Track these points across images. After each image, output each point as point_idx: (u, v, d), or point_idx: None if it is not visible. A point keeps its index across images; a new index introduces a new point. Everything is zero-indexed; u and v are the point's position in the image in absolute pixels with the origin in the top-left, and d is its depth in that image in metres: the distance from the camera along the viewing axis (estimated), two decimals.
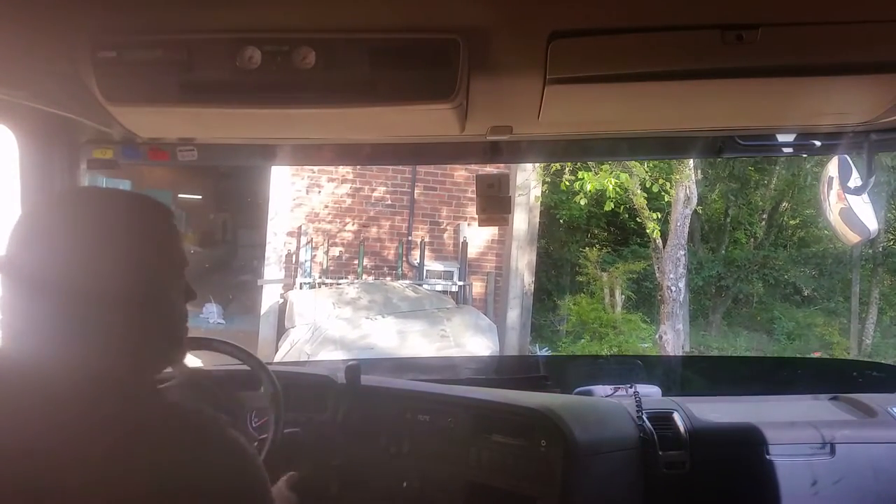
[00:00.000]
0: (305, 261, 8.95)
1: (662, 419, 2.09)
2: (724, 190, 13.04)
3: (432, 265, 9.27)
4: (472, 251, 9.28)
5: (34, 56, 1.28)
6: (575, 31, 1.17)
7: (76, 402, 0.91)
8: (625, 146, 1.99)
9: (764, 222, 14.03)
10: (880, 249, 11.71)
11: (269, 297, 8.93)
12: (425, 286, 8.95)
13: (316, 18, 1.18)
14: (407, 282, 8.98)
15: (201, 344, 1.84)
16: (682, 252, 8.26)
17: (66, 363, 0.93)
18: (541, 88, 1.32)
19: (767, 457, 2.06)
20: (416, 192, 9.19)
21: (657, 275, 8.62)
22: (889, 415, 2.16)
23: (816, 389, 2.47)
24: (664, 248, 8.27)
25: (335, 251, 9.13)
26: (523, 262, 9.32)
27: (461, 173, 9.06)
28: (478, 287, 9.30)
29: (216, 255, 18.97)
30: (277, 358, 7.31)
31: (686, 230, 8.34)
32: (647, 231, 8.43)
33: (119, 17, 1.18)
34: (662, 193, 8.12)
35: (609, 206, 8.19)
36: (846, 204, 1.82)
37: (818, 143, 1.82)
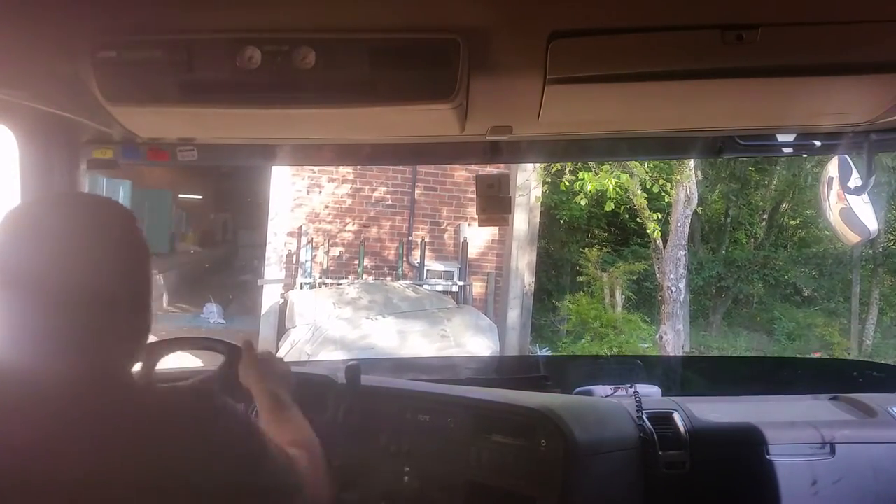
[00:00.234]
0: (306, 261, 8.95)
1: (662, 419, 2.09)
2: (725, 190, 13.05)
3: (433, 265, 9.27)
4: (473, 251, 9.29)
5: (34, 56, 1.28)
6: (575, 31, 1.17)
7: (58, 400, 0.93)
8: (625, 146, 1.99)
9: (764, 223, 14.04)
10: (880, 250, 11.72)
11: (270, 297, 8.94)
12: (426, 286, 8.96)
13: (316, 18, 1.18)
14: (407, 282, 8.98)
15: (202, 344, 1.84)
16: (683, 252, 8.26)
17: (41, 362, 0.95)
18: (541, 88, 1.32)
19: (767, 457, 2.06)
20: (416, 192, 9.20)
21: (657, 275, 8.62)
22: (889, 415, 2.16)
23: (816, 389, 2.47)
24: (664, 248, 8.28)
25: (335, 251, 9.14)
26: (524, 263, 9.32)
27: (461, 173, 9.07)
28: (478, 287, 9.30)
29: (216, 255, 19.02)
30: None
31: (686, 230, 8.34)
32: (648, 231, 8.43)
33: (119, 17, 1.18)
34: (663, 194, 8.13)
35: (609, 207, 8.20)
36: (846, 204, 1.81)
37: (818, 143, 1.82)
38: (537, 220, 9.67)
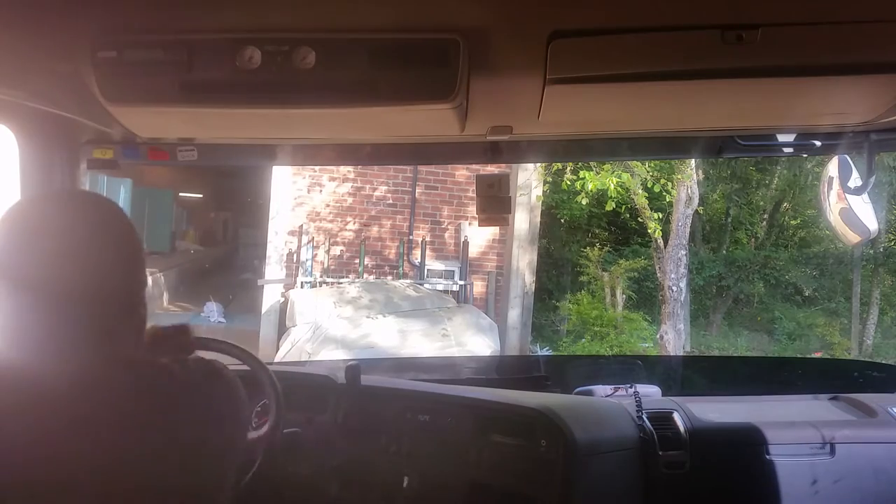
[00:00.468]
0: (306, 260, 8.95)
1: (662, 419, 2.09)
2: (726, 190, 13.05)
3: (433, 264, 9.28)
4: (473, 250, 9.29)
5: (34, 56, 1.28)
6: (575, 31, 1.17)
7: (54, 395, 0.95)
8: (625, 146, 1.99)
9: (765, 222, 14.05)
10: (881, 250, 11.72)
11: (270, 295, 8.94)
12: (426, 285, 8.96)
13: (316, 18, 1.18)
14: (408, 281, 8.99)
15: (201, 344, 1.84)
16: (684, 252, 8.26)
17: (35, 358, 0.97)
18: (541, 88, 1.32)
19: (767, 457, 2.06)
20: (417, 191, 9.20)
21: (658, 274, 8.62)
22: (889, 415, 2.16)
23: (816, 389, 2.47)
24: (665, 247, 8.28)
25: (336, 250, 9.14)
26: (524, 262, 9.32)
27: (462, 172, 9.07)
28: (479, 286, 9.30)
29: (217, 254, 19.04)
30: (278, 357, 7.32)
31: (687, 230, 8.34)
32: (649, 231, 8.43)
33: (119, 17, 1.18)
34: (664, 193, 8.12)
35: (610, 206, 8.19)
36: (846, 204, 1.81)
37: (818, 143, 1.82)
38: (538, 219, 9.67)
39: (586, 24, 1.16)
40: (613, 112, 1.56)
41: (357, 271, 9.08)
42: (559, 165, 8.42)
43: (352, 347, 7.06)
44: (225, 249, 20.48)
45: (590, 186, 7.59)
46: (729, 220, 13.78)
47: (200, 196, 21.21)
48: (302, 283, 8.83)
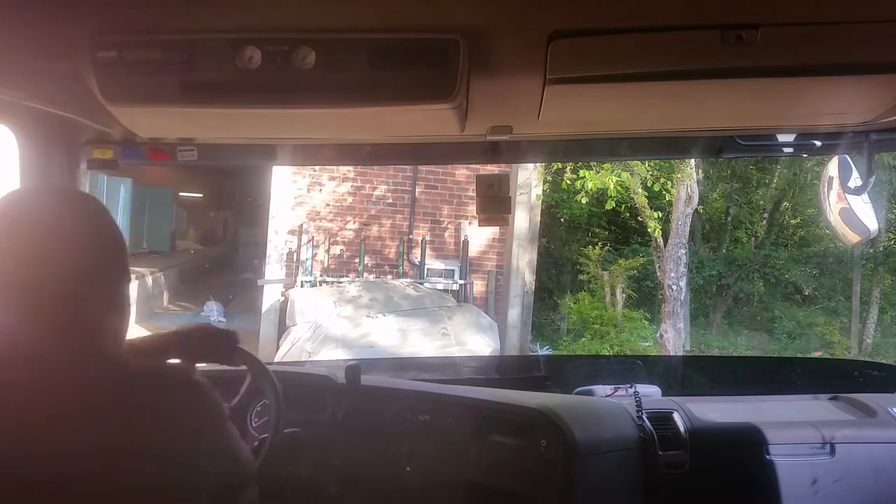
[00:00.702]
0: (306, 259, 8.96)
1: (662, 419, 2.09)
2: (726, 189, 13.05)
3: (433, 264, 9.28)
4: (473, 250, 9.29)
5: (34, 56, 1.28)
6: (575, 31, 1.17)
7: (36, 388, 0.96)
8: (625, 146, 1.99)
9: (765, 221, 14.05)
10: (881, 249, 11.73)
11: (270, 295, 8.95)
12: (426, 284, 8.96)
13: (316, 18, 1.18)
14: (408, 280, 8.99)
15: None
16: (683, 251, 8.27)
17: (18, 351, 0.98)
18: (541, 88, 1.32)
19: (767, 457, 2.06)
20: (417, 190, 9.20)
21: (658, 274, 8.62)
22: (889, 415, 2.16)
23: (816, 389, 2.47)
24: (665, 246, 8.28)
25: (336, 249, 9.14)
26: (524, 261, 9.32)
27: (462, 172, 9.07)
28: (479, 285, 9.31)
29: (217, 254, 19.05)
30: (278, 356, 7.32)
31: (687, 229, 8.34)
32: (649, 230, 8.43)
33: (119, 17, 1.18)
34: (664, 192, 8.12)
35: (610, 205, 8.19)
36: (846, 204, 1.81)
37: (818, 143, 1.82)
38: (538, 218, 9.67)
39: (586, 24, 1.16)
40: (613, 112, 1.56)
41: (357, 270, 9.08)
42: (559, 165, 8.42)
43: (352, 347, 7.06)
44: (225, 249, 20.49)
45: (589, 186, 7.59)
46: (729, 219, 13.78)
47: (200, 196, 21.22)
48: (302, 282, 8.84)
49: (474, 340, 7.57)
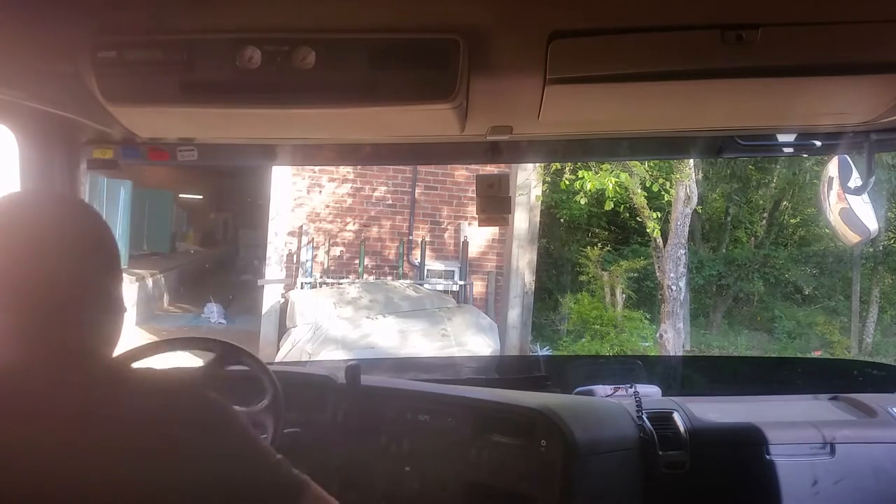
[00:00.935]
0: (306, 260, 8.96)
1: (662, 419, 2.09)
2: (725, 189, 13.05)
3: (433, 264, 9.28)
4: (473, 250, 9.29)
5: (34, 56, 1.28)
6: (575, 31, 1.17)
7: (27, 396, 0.94)
8: (625, 146, 1.99)
9: (764, 221, 14.06)
10: (881, 248, 11.73)
11: (271, 296, 8.95)
12: (426, 285, 8.96)
13: (316, 18, 1.18)
14: (408, 281, 8.99)
15: (201, 344, 1.84)
16: (683, 251, 8.27)
17: (7, 358, 0.96)
18: (541, 88, 1.32)
19: (767, 457, 2.06)
20: (416, 191, 9.20)
21: (657, 274, 8.62)
22: (889, 415, 2.16)
23: (816, 389, 2.47)
24: (665, 247, 8.28)
25: (336, 251, 9.14)
26: (524, 262, 9.32)
27: (462, 172, 9.07)
28: (479, 286, 9.31)
29: (217, 255, 19.05)
30: (279, 357, 7.33)
31: (686, 229, 8.34)
32: (648, 230, 8.43)
33: (119, 17, 1.18)
34: (662, 192, 8.12)
35: (609, 206, 8.19)
36: (846, 204, 1.81)
37: (818, 143, 1.82)
38: (537, 218, 9.68)
39: (586, 24, 1.16)
40: (613, 112, 1.56)
41: (357, 272, 9.08)
42: (558, 165, 8.42)
43: (352, 348, 7.06)
44: (225, 250, 20.49)
45: (588, 186, 7.59)
46: (728, 219, 13.79)
47: (200, 197, 21.22)
48: (302, 283, 8.84)
49: (474, 341, 7.57)
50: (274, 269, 9.04)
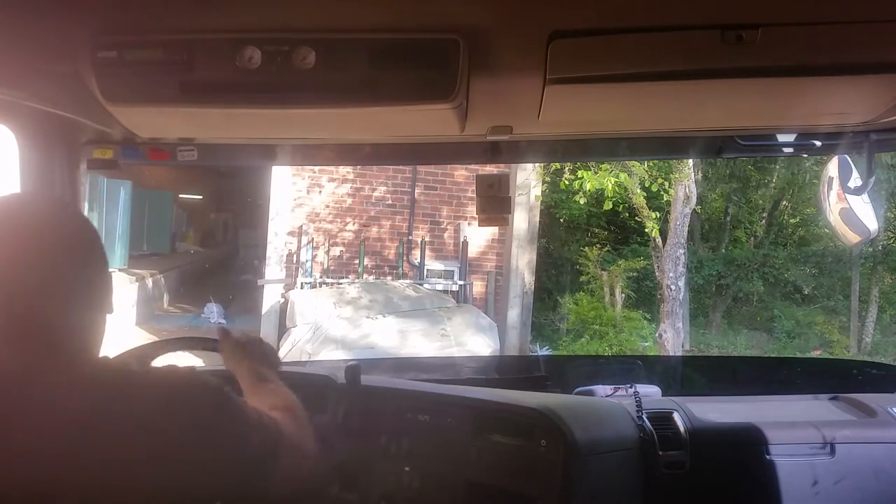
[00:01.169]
0: (306, 260, 8.96)
1: (662, 419, 2.09)
2: (725, 189, 13.06)
3: (433, 264, 9.28)
4: (473, 250, 9.29)
5: (34, 56, 1.28)
6: (575, 31, 1.17)
7: (17, 395, 0.94)
8: (625, 146, 1.99)
9: (764, 221, 14.06)
10: (880, 248, 11.74)
11: (270, 296, 8.95)
12: (426, 285, 8.96)
13: (316, 18, 1.18)
14: (407, 281, 8.99)
15: (201, 344, 1.84)
16: (682, 251, 8.27)
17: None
18: (541, 88, 1.32)
19: (767, 457, 2.06)
20: (416, 191, 9.20)
21: (657, 274, 8.62)
22: (889, 415, 2.16)
23: (816, 389, 2.47)
24: (664, 246, 8.28)
25: (336, 251, 9.14)
26: (524, 261, 9.32)
27: (461, 173, 9.07)
28: (478, 286, 9.31)
29: (217, 255, 19.05)
30: None
31: (685, 229, 8.34)
32: (646, 230, 8.43)
33: (119, 17, 1.18)
34: (661, 192, 8.12)
35: (608, 206, 8.19)
36: (846, 204, 1.81)
37: (818, 143, 1.82)
38: (537, 218, 9.68)
39: (586, 24, 1.16)
40: (613, 112, 1.56)
41: (357, 272, 9.08)
42: (557, 165, 8.43)
43: (352, 347, 7.06)
44: (225, 250, 20.50)
45: (588, 186, 7.59)
46: (728, 218, 13.79)
47: (200, 197, 21.22)
48: (302, 283, 8.83)
49: (474, 341, 7.57)
50: (274, 269, 9.04)
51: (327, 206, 9.08)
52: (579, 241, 12.73)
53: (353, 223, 9.17)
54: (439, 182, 9.22)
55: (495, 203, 1.96)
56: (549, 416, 1.90)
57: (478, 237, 9.30)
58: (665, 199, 8.43)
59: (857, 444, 2.10)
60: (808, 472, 2.06)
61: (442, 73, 1.21)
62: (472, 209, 8.69)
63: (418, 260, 9.19)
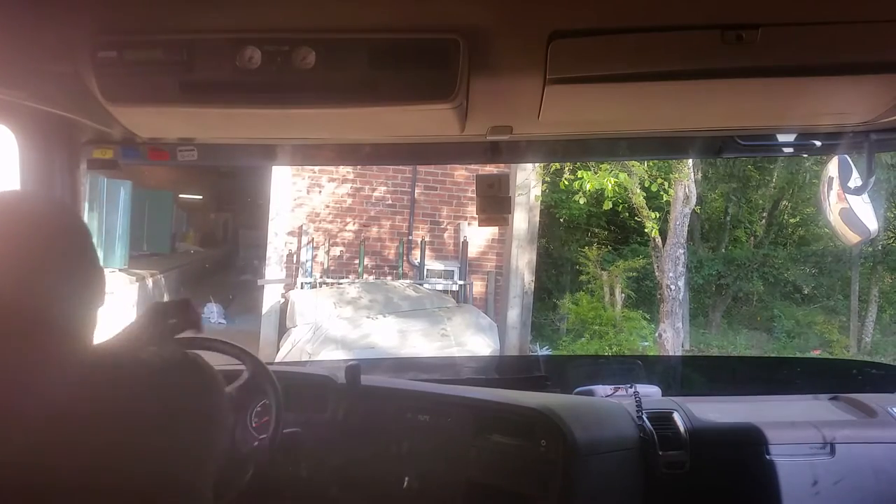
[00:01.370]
0: (306, 260, 8.96)
1: (662, 419, 2.09)
2: (724, 189, 13.06)
3: (433, 264, 9.28)
4: (473, 250, 9.29)
5: (34, 56, 1.28)
6: (575, 31, 1.17)
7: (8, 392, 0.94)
8: (625, 146, 1.99)
9: (764, 221, 14.06)
10: (880, 247, 11.73)
11: (271, 296, 8.94)
12: (426, 285, 8.96)
13: (316, 18, 1.18)
14: (407, 281, 8.99)
15: (201, 344, 1.84)
16: (682, 251, 8.26)
17: None
18: (541, 88, 1.32)
19: (767, 457, 2.06)
20: (416, 191, 9.20)
21: (656, 273, 8.62)
22: (889, 415, 2.16)
23: (816, 389, 2.47)
24: (663, 246, 8.27)
25: (336, 251, 9.14)
26: (523, 261, 9.32)
27: (461, 173, 9.07)
28: (478, 286, 9.31)
29: (217, 256, 19.03)
30: (279, 358, 7.32)
31: (685, 229, 8.34)
32: (646, 230, 8.43)
33: (119, 17, 1.19)
34: (661, 192, 8.12)
35: (608, 206, 8.19)
36: (846, 204, 1.81)
37: (818, 143, 1.82)
38: (537, 218, 9.67)
39: (586, 24, 1.16)
40: (613, 112, 1.56)
41: (357, 272, 9.08)
42: (557, 165, 8.42)
43: (352, 347, 7.06)
44: (225, 250, 20.48)
45: (587, 186, 7.59)
46: (728, 218, 13.79)
47: (200, 197, 21.20)
48: (302, 283, 8.83)
49: (474, 341, 7.57)
50: (274, 269, 9.04)
51: (327, 206, 9.07)
52: (579, 240, 12.73)
53: (353, 223, 9.17)
54: (439, 182, 9.22)
55: (495, 203, 1.96)
56: (549, 416, 1.91)
57: (478, 237, 9.29)
58: (665, 198, 8.43)
59: (857, 444, 2.10)
60: (808, 472, 2.06)
61: (442, 73, 1.21)
62: (472, 209, 8.69)
63: (418, 260, 9.19)
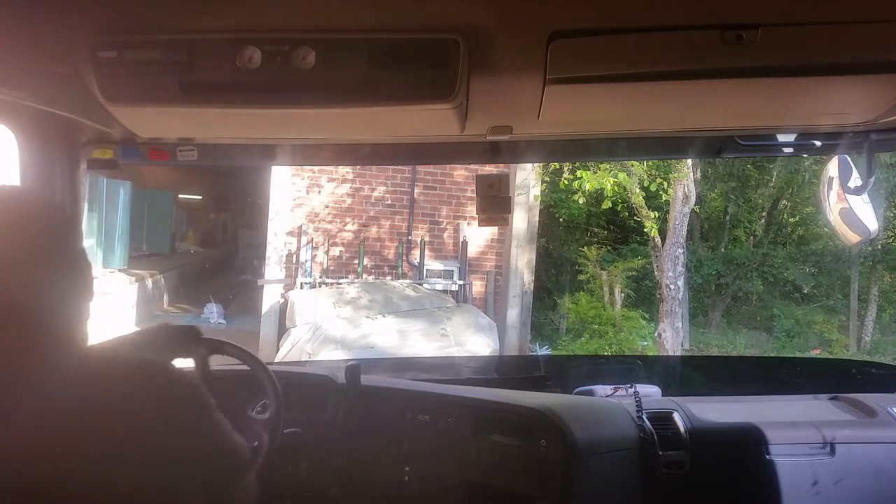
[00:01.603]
0: (306, 260, 8.95)
1: (662, 419, 2.09)
2: (724, 188, 13.06)
3: (432, 264, 9.28)
4: (472, 250, 9.29)
5: (34, 56, 1.28)
6: (575, 31, 1.17)
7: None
8: (625, 146, 1.99)
9: (763, 220, 14.06)
10: (879, 247, 11.74)
11: (270, 296, 8.94)
12: (425, 285, 8.96)
13: (316, 18, 1.18)
14: (407, 281, 8.99)
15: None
16: (681, 250, 8.26)
17: None
18: (541, 88, 1.32)
19: (767, 457, 2.06)
20: (415, 191, 9.20)
21: (656, 273, 8.62)
22: (889, 415, 2.16)
23: (816, 389, 2.47)
24: (663, 246, 8.28)
25: (335, 251, 9.14)
26: (523, 261, 9.32)
27: (461, 173, 9.07)
28: (478, 286, 9.30)
29: (217, 256, 19.03)
30: (279, 358, 7.32)
31: (685, 228, 8.34)
32: (645, 230, 8.43)
33: (119, 17, 1.19)
34: (660, 192, 8.12)
35: (607, 205, 8.18)
36: (846, 204, 1.81)
37: (818, 143, 1.82)
38: (536, 218, 9.67)
39: (586, 24, 1.16)
40: (613, 112, 1.56)
41: (356, 272, 9.08)
42: (557, 165, 8.42)
43: (351, 347, 7.06)
44: (224, 251, 20.47)
45: (587, 186, 7.59)
46: (727, 218, 13.79)
47: (200, 198, 21.20)
48: (301, 283, 8.83)
49: (473, 341, 7.57)
50: (273, 269, 9.03)
51: (327, 207, 9.07)
52: (579, 240, 12.74)
53: (353, 223, 9.16)
54: (439, 182, 9.22)
55: (495, 203, 1.96)
56: (549, 416, 1.91)
57: (477, 237, 9.29)
58: (664, 198, 8.43)
59: (857, 444, 2.10)
60: (808, 472, 2.06)
61: (442, 73, 1.21)
62: (471, 209, 8.69)
63: (418, 260, 9.19)
